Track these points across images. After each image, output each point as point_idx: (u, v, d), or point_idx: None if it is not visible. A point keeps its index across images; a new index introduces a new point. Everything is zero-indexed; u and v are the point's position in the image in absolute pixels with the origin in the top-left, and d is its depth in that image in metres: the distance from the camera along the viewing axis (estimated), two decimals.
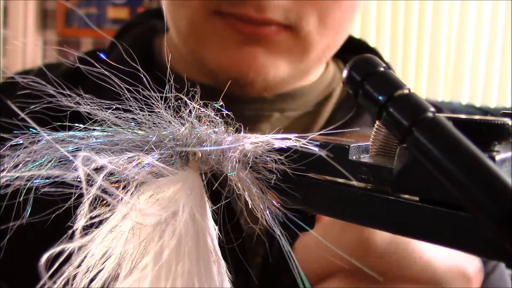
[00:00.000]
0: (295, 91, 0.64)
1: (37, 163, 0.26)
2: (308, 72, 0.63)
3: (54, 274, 0.24)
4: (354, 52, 0.71)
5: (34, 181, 0.26)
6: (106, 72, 0.29)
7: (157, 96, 0.29)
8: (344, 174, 0.25)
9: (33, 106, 0.28)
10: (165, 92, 0.29)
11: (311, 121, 0.64)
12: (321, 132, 0.28)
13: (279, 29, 0.56)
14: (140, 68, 0.30)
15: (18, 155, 0.26)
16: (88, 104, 0.28)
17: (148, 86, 0.29)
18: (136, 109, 0.29)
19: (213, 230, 0.28)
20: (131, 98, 0.29)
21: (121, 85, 0.29)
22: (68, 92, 0.29)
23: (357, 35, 2.12)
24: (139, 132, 0.29)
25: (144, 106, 0.29)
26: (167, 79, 0.29)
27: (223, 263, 0.27)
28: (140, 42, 0.66)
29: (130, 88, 0.29)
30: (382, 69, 0.23)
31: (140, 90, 0.29)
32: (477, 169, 0.19)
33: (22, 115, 0.24)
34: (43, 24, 2.77)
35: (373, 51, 0.72)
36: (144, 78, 0.29)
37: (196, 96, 0.29)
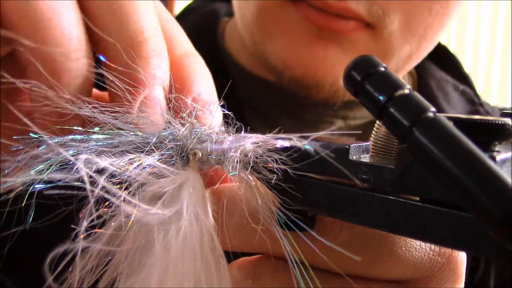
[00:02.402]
0: None
1: (38, 168, 0.26)
2: None
3: (59, 274, 0.24)
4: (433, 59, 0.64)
5: (36, 185, 0.26)
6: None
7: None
8: (344, 174, 0.25)
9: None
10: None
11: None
12: (322, 132, 0.28)
13: (358, 26, 0.49)
14: None
15: (20, 160, 0.26)
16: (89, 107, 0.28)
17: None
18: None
19: (214, 229, 0.28)
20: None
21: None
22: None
23: None
24: (139, 133, 0.29)
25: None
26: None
27: (225, 262, 0.27)
28: (200, 26, 0.59)
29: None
30: (382, 69, 0.23)
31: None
32: (478, 169, 0.19)
33: (24, 119, 0.24)
34: None
35: (454, 58, 0.66)
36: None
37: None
